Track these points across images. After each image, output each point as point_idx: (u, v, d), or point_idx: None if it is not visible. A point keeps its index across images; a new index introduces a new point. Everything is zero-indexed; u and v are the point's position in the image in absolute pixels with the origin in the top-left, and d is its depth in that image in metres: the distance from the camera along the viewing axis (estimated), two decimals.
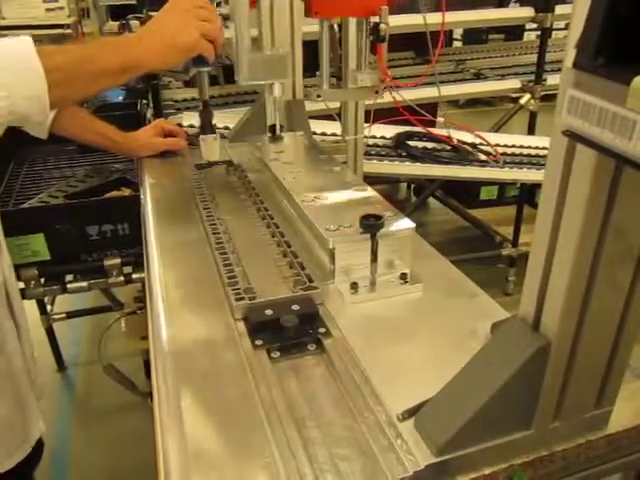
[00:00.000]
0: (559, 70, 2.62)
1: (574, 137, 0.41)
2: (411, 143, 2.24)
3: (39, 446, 1.13)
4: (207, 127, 1.14)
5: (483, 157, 2.20)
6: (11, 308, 1.03)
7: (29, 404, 1.07)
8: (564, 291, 0.48)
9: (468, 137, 2.29)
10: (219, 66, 1.12)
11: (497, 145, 2.32)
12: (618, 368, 0.56)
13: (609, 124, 0.37)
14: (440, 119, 2.29)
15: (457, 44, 4.31)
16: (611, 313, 0.52)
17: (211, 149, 1.15)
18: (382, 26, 0.98)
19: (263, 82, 1.18)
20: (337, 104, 1.58)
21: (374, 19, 1.06)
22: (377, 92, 1.09)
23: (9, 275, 1.05)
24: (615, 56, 0.37)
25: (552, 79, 2.46)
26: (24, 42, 0.78)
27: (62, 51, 0.85)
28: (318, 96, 1.09)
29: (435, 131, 2.24)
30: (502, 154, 2.27)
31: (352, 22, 1.12)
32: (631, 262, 0.50)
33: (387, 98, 1.37)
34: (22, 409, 1.04)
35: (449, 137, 2.20)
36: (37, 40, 0.79)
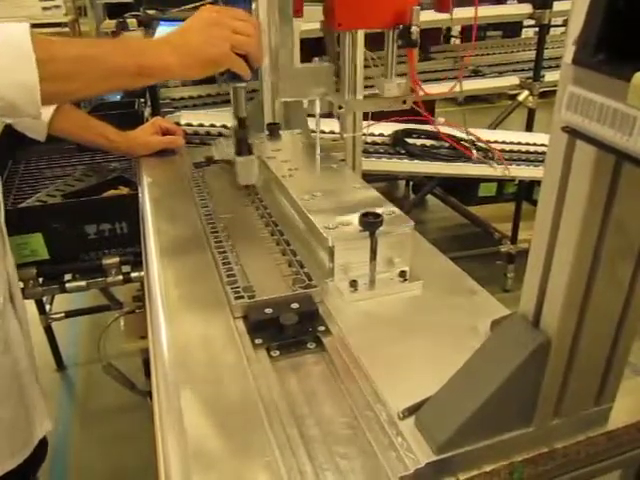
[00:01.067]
0: (557, 67, 2.62)
1: (574, 133, 0.41)
2: (409, 140, 2.24)
3: (43, 445, 1.13)
4: (244, 147, 1.02)
5: (486, 159, 2.19)
6: (15, 308, 1.03)
7: (34, 403, 1.06)
8: (564, 288, 0.48)
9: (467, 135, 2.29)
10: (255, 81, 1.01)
11: (496, 142, 2.32)
12: (618, 365, 0.56)
13: (609, 120, 0.37)
14: (441, 119, 2.28)
15: (456, 41, 4.31)
16: (611, 309, 0.52)
17: (249, 172, 1.05)
18: (414, 29, 0.88)
19: (306, 98, 1.09)
20: None
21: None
22: (405, 102, 0.99)
23: (13, 275, 1.05)
24: (615, 52, 0.36)
25: (550, 76, 2.45)
26: (19, 27, 0.74)
27: (66, 43, 0.81)
28: (340, 107, 1.00)
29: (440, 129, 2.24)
30: (501, 151, 2.27)
31: None
32: (631, 258, 0.50)
33: None
34: (27, 409, 1.04)
35: (450, 137, 2.20)
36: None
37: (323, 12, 0.95)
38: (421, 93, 1.02)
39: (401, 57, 0.97)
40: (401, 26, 0.89)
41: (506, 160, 2.24)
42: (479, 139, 2.26)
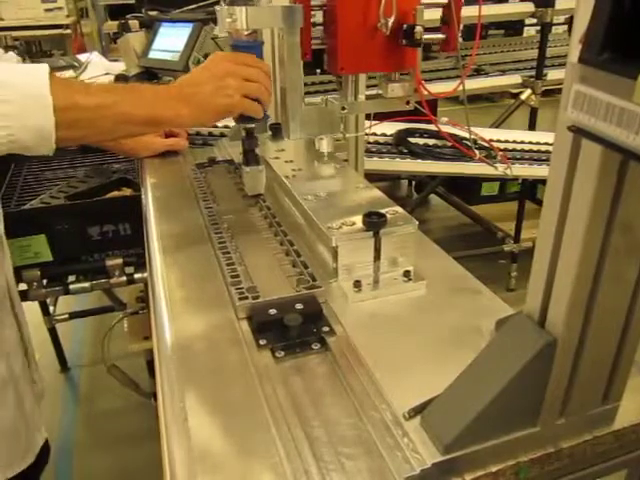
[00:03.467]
0: (559, 65, 2.62)
1: (580, 132, 0.41)
2: (412, 140, 2.23)
3: (45, 450, 1.13)
4: (251, 158, 1.01)
5: (489, 158, 2.19)
6: (14, 313, 1.03)
7: (32, 410, 1.06)
8: (570, 287, 0.48)
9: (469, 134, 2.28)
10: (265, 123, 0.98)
11: (498, 141, 2.32)
12: (625, 364, 0.56)
13: (615, 119, 0.37)
14: (444, 118, 2.28)
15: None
16: (618, 308, 0.52)
17: (257, 182, 1.04)
18: (418, 28, 0.86)
19: (314, 137, 1.10)
20: None
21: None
22: (408, 103, 0.98)
23: (11, 280, 1.05)
24: (621, 50, 0.36)
25: (553, 74, 2.45)
26: (39, 72, 0.73)
27: (86, 92, 0.79)
28: (343, 108, 0.98)
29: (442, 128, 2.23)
30: (503, 150, 2.27)
31: None
32: (638, 257, 0.50)
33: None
34: (25, 416, 1.03)
35: (453, 136, 2.20)
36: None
37: (326, 52, 0.96)
38: (425, 93, 0.99)
39: None
40: (405, 25, 0.88)
41: (509, 159, 2.23)
42: (482, 138, 2.26)
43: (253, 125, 0.95)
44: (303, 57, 0.91)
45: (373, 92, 1.02)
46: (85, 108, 0.76)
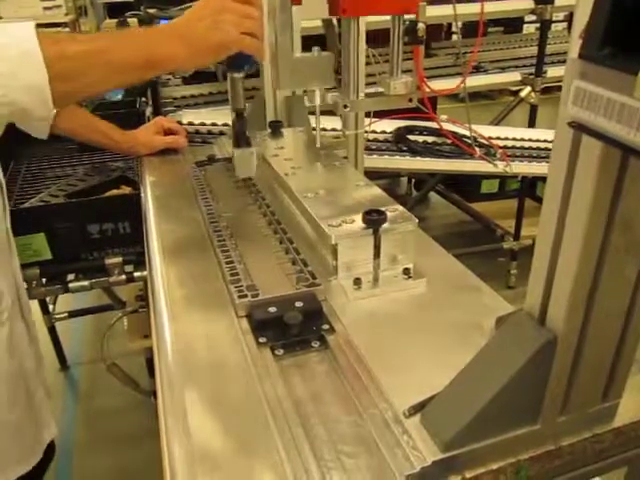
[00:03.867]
0: (559, 62, 2.62)
1: (580, 128, 0.40)
2: (412, 137, 2.23)
3: (50, 449, 1.13)
4: (242, 140, 0.97)
5: (488, 156, 2.19)
6: (22, 309, 1.03)
7: (41, 407, 1.06)
8: (570, 285, 0.48)
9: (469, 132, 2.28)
10: (251, 71, 0.93)
11: (498, 138, 2.32)
12: (625, 361, 0.56)
13: (616, 115, 0.37)
14: (444, 116, 2.28)
15: (455, 37, 4.28)
16: (618, 306, 0.52)
17: (247, 165, 0.99)
18: (420, 25, 0.84)
19: (306, 88, 1.04)
20: None
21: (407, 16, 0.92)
22: (411, 100, 0.95)
23: (19, 277, 1.05)
24: (621, 46, 0.36)
25: (552, 71, 2.45)
26: (25, 27, 0.71)
27: (72, 40, 0.77)
28: (345, 107, 0.95)
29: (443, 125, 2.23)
30: (503, 147, 2.27)
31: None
32: (638, 254, 0.49)
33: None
34: (34, 412, 1.03)
35: (453, 133, 2.19)
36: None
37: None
38: (427, 90, 0.99)
39: (406, 53, 0.95)
40: (407, 22, 0.86)
41: (508, 157, 2.23)
42: (481, 136, 2.25)
43: (241, 75, 0.91)
44: (293, 2, 0.88)
45: (372, 90, 1.02)
46: (73, 56, 0.73)
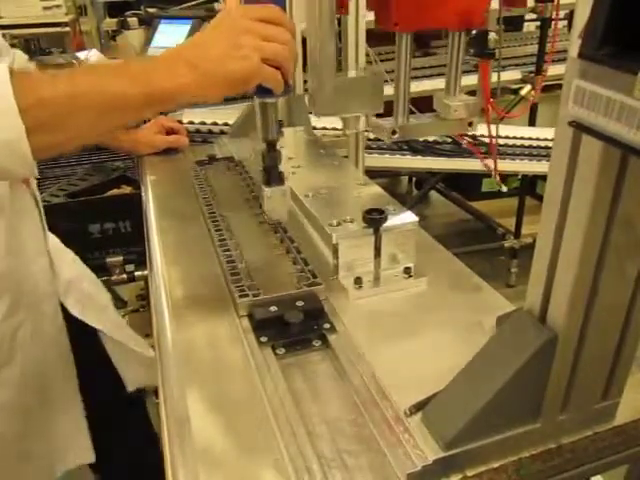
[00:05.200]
0: (559, 61, 2.61)
1: (580, 128, 0.41)
2: None
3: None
4: (273, 176, 0.79)
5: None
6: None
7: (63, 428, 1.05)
8: (571, 283, 0.48)
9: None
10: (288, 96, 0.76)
11: (498, 136, 2.31)
12: (625, 359, 0.56)
13: (616, 114, 0.37)
14: None
15: None
16: (618, 304, 0.52)
17: (279, 206, 0.80)
18: (492, 36, 0.70)
19: (349, 114, 0.89)
20: None
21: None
22: (470, 124, 0.81)
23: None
24: (622, 45, 0.36)
25: (553, 70, 2.44)
26: None
27: (52, 81, 0.62)
28: (394, 132, 0.79)
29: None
30: (503, 145, 2.27)
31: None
32: (638, 252, 0.50)
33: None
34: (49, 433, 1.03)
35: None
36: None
37: (371, 6, 0.76)
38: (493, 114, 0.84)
39: (418, 58, 0.86)
40: (474, 31, 0.72)
41: (509, 155, 2.23)
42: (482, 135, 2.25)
43: (273, 100, 0.73)
44: (338, 11, 0.73)
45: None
46: (53, 100, 0.60)
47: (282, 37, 0.66)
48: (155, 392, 0.79)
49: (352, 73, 0.81)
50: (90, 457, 1.07)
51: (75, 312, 1.05)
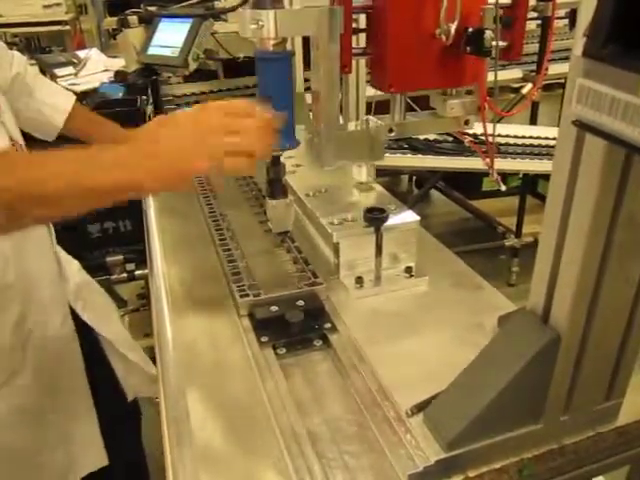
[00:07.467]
0: (560, 59, 2.61)
1: (584, 127, 0.40)
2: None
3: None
4: (277, 189, 0.81)
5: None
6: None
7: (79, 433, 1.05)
8: (574, 283, 0.48)
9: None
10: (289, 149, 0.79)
11: (499, 135, 2.31)
12: (628, 360, 0.56)
13: (620, 113, 0.36)
14: None
15: None
16: (621, 305, 0.52)
17: (284, 218, 0.83)
18: (487, 34, 0.70)
19: (352, 163, 0.92)
20: None
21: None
22: (467, 123, 0.82)
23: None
24: (626, 44, 0.36)
25: (554, 68, 2.44)
26: None
27: (11, 166, 0.62)
28: (390, 130, 0.80)
29: None
30: (504, 144, 2.26)
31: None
32: None
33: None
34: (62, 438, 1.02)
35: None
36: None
37: (368, 66, 0.80)
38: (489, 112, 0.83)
39: None
40: (470, 30, 0.72)
41: (510, 154, 2.22)
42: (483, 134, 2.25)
43: (281, 153, 0.79)
44: (342, 70, 0.75)
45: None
46: (13, 187, 0.59)
47: (250, 127, 0.67)
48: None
49: (352, 126, 0.86)
50: (104, 460, 1.06)
51: (85, 317, 1.05)
